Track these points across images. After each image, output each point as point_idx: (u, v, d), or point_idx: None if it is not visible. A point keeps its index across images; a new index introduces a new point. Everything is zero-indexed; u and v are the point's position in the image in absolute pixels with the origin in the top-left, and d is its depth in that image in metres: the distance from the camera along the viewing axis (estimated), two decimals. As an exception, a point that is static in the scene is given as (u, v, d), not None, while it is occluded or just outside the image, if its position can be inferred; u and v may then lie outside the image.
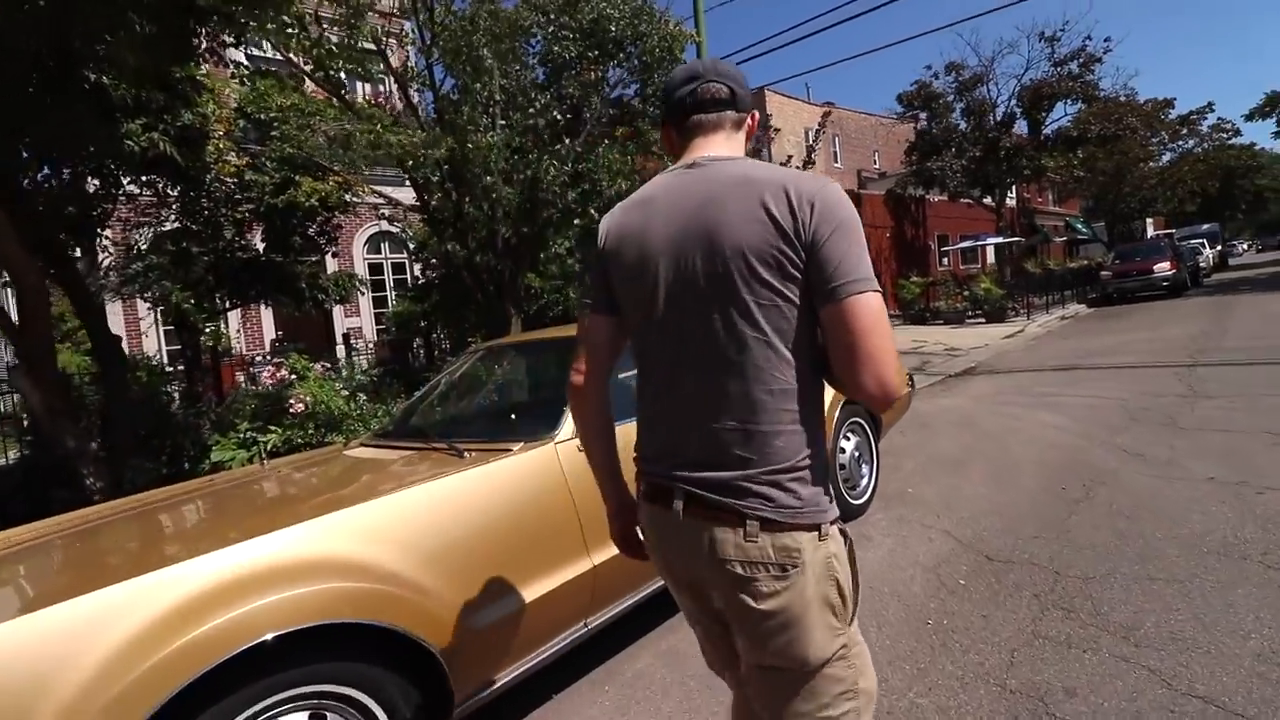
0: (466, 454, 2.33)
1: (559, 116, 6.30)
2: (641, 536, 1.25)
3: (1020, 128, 19.43)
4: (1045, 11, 55.63)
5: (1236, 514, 3.28)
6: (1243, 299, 14.64)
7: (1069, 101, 18.64)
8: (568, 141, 6.38)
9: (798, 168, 11.13)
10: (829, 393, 3.51)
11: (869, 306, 0.95)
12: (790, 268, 0.97)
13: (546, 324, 10.97)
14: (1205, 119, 28.75)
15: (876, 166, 29.70)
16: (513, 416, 2.93)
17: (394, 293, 14.62)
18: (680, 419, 1.07)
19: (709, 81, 1.12)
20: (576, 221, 6.30)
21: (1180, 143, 29.31)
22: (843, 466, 3.79)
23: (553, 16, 6.41)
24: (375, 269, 15.02)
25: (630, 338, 1.17)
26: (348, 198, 7.22)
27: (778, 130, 13.60)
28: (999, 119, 19.07)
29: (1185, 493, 3.65)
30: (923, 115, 19.91)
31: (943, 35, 49.63)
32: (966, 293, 16.66)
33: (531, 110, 6.00)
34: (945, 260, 23.61)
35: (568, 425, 2.39)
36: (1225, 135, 31.43)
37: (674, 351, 1.06)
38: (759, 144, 9.19)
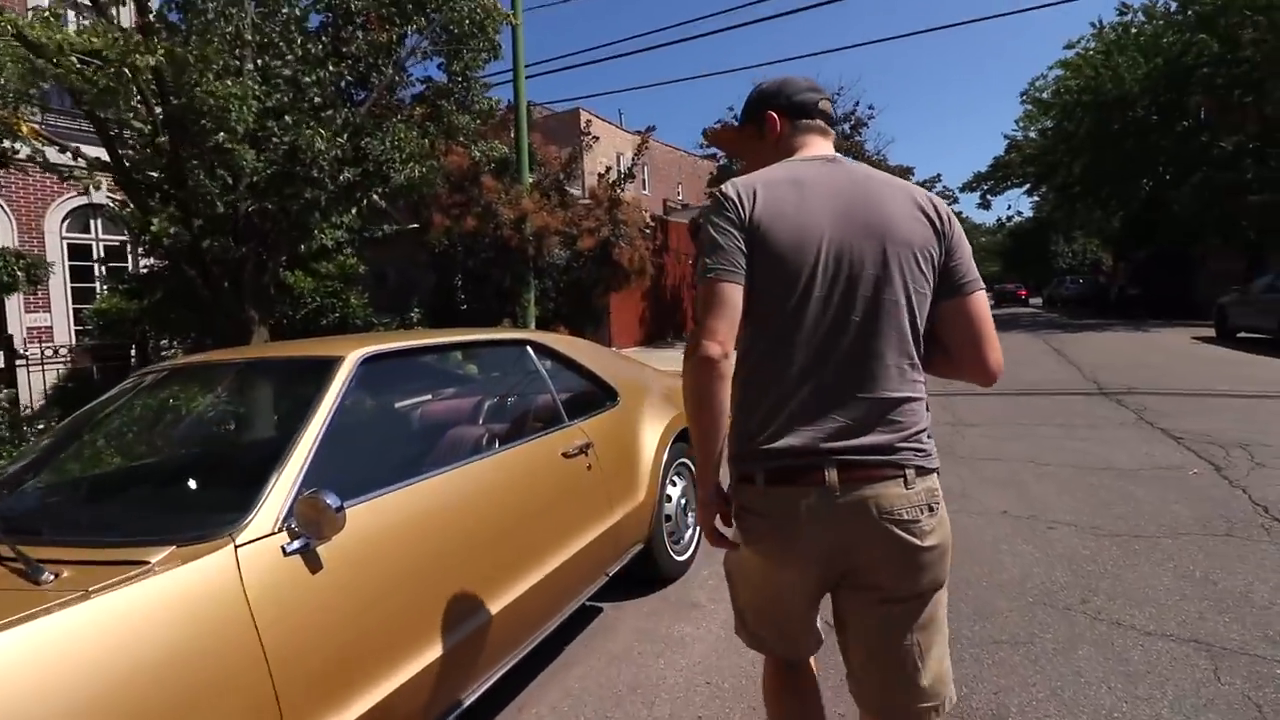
0: (49, 574, 1.25)
1: (335, 76, 5.05)
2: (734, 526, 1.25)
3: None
4: (827, 72, 65.27)
5: (1041, 553, 3.30)
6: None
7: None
8: (347, 111, 5.15)
9: (618, 184, 11.03)
10: (656, 431, 2.81)
11: (986, 300, 1.26)
12: (938, 264, 1.20)
13: (314, 335, 9.16)
14: (934, 186, 34.88)
15: (680, 198, 31.19)
16: (168, 493, 1.85)
17: (107, 286, 11.47)
18: (833, 394, 1.14)
19: (827, 99, 1.34)
20: (354, 210, 5.08)
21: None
22: (668, 517, 3.21)
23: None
24: (82, 252, 11.68)
25: (759, 316, 1.17)
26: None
27: (596, 139, 13.30)
28: (787, 165, 20.88)
29: (987, 529, 3.66)
30: (722, 154, 21.16)
31: (742, 79, 55.37)
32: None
33: (292, 59, 4.70)
34: (739, 289, 25.24)
35: (268, 507, 1.43)
36: (948, 201, 38.46)
37: (831, 330, 1.14)
38: (576, 149, 8.78)
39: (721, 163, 21.19)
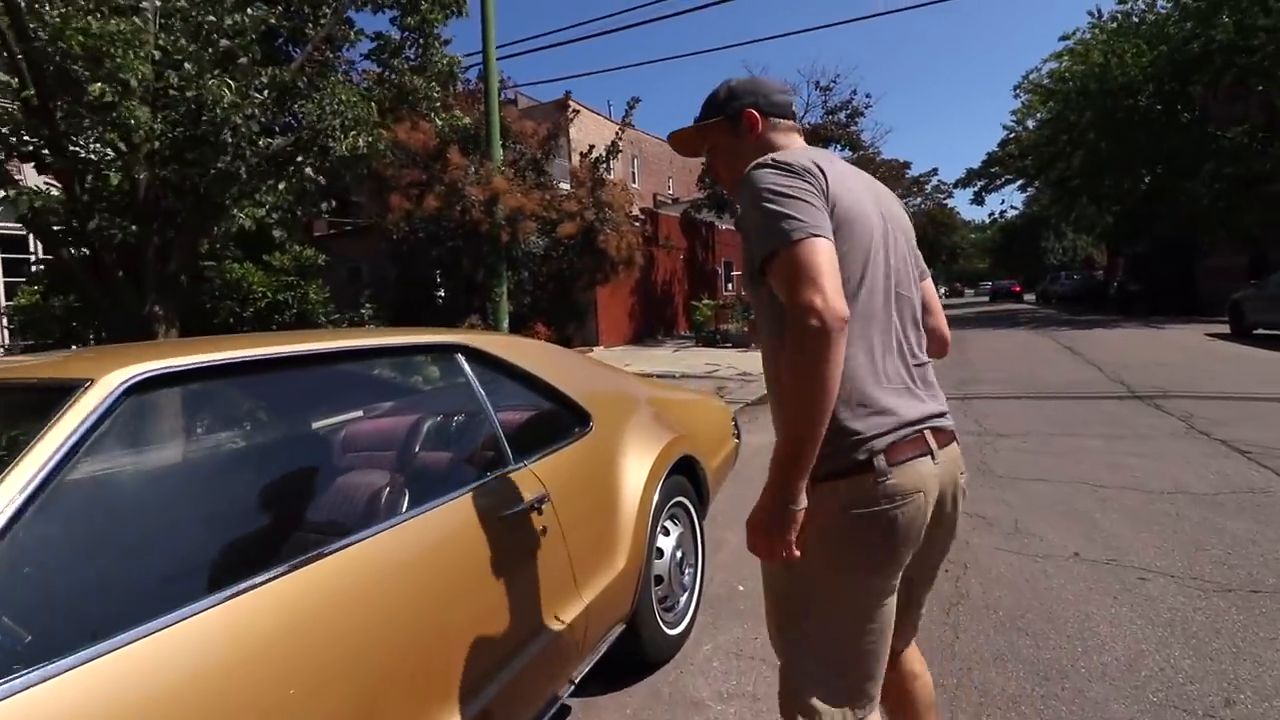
0: None
1: (255, 22, 4.17)
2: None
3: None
4: (824, 59, 65.28)
5: (1144, 619, 2.54)
6: (967, 334, 16.80)
7: (840, 146, 20.39)
8: (273, 68, 4.28)
9: (603, 162, 10.24)
10: (645, 463, 2.29)
11: None
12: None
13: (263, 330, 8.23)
14: (930, 181, 34.34)
15: (670, 191, 30.41)
16: None
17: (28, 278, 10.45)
18: (906, 366, 1.19)
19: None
20: (281, 185, 4.21)
21: (910, 199, 34.60)
22: (659, 579, 2.41)
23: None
24: (17, 244, 10.68)
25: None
26: None
27: (577, 112, 12.45)
28: (781, 155, 20.18)
29: (1062, 580, 2.90)
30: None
31: (736, 69, 55.45)
32: (752, 317, 17.02)
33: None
34: (730, 285, 24.59)
35: None
36: (942, 195, 38.05)
37: (891, 306, 1.19)
38: (555, 125, 7.91)
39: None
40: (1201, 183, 17.09)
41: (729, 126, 1.31)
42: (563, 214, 6.55)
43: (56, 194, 3.76)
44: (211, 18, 4.05)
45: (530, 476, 1.81)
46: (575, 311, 7.61)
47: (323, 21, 4.64)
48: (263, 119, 4.08)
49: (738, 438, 3.67)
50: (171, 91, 3.70)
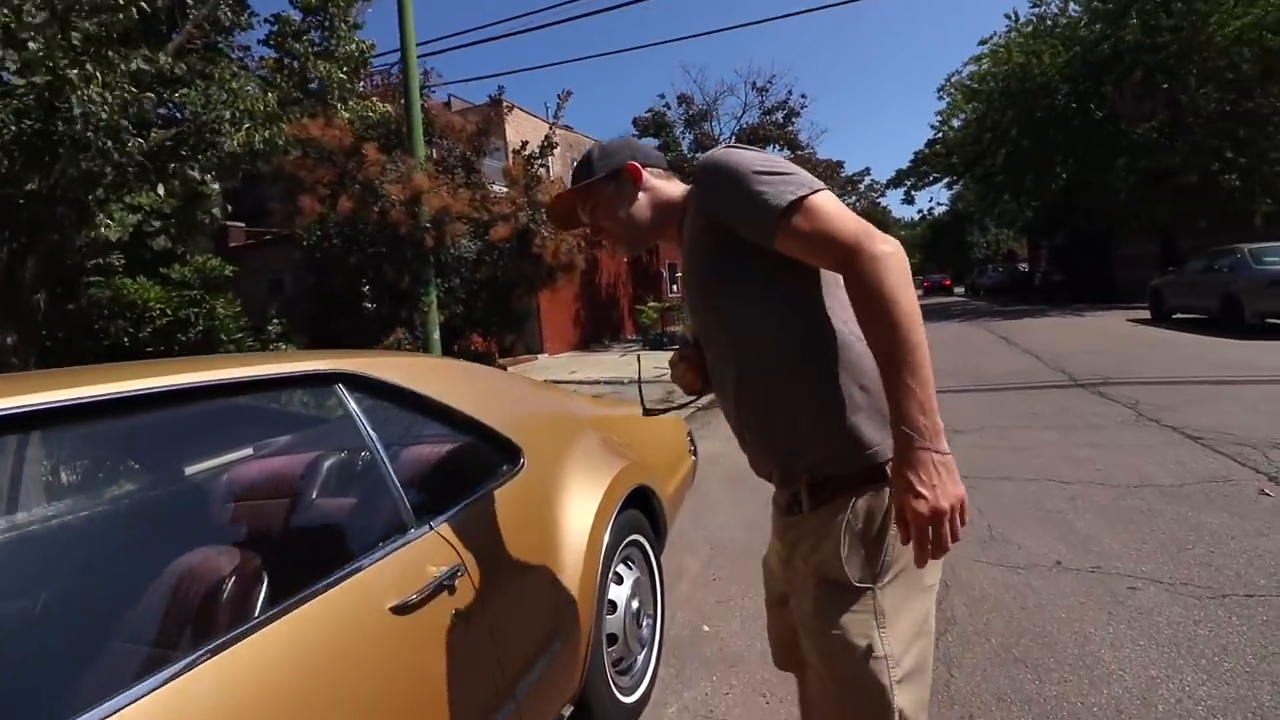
0: None
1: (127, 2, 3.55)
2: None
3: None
4: (759, 60, 66.54)
5: (1146, 638, 2.31)
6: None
7: (778, 147, 20.51)
8: (144, 52, 3.67)
9: (537, 159, 9.76)
10: (592, 499, 1.95)
11: None
12: None
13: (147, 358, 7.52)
14: (863, 180, 35.19)
15: (610, 192, 30.04)
16: None
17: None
18: None
19: None
20: (160, 187, 3.60)
21: (845, 198, 35.34)
22: (613, 638, 2.03)
23: None
24: None
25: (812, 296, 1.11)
26: None
27: (512, 108, 11.95)
28: (720, 155, 20.20)
29: (1050, 594, 2.68)
30: (654, 144, 20.23)
31: (674, 68, 55.89)
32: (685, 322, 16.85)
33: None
34: (675, 287, 24.42)
35: None
36: (875, 194, 39.09)
37: None
38: (486, 121, 7.36)
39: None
40: (1116, 177, 17.95)
41: (615, 186, 1.28)
42: (495, 215, 6.07)
43: None
44: None
45: (437, 543, 1.39)
46: (514, 319, 7.11)
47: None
48: (133, 110, 3.47)
49: (694, 453, 3.33)
50: (11, 77, 3.07)
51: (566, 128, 30.64)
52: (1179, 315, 12.37)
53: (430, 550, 1.37)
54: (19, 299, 3.57)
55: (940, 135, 27.71)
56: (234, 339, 7.04)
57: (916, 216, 50.77)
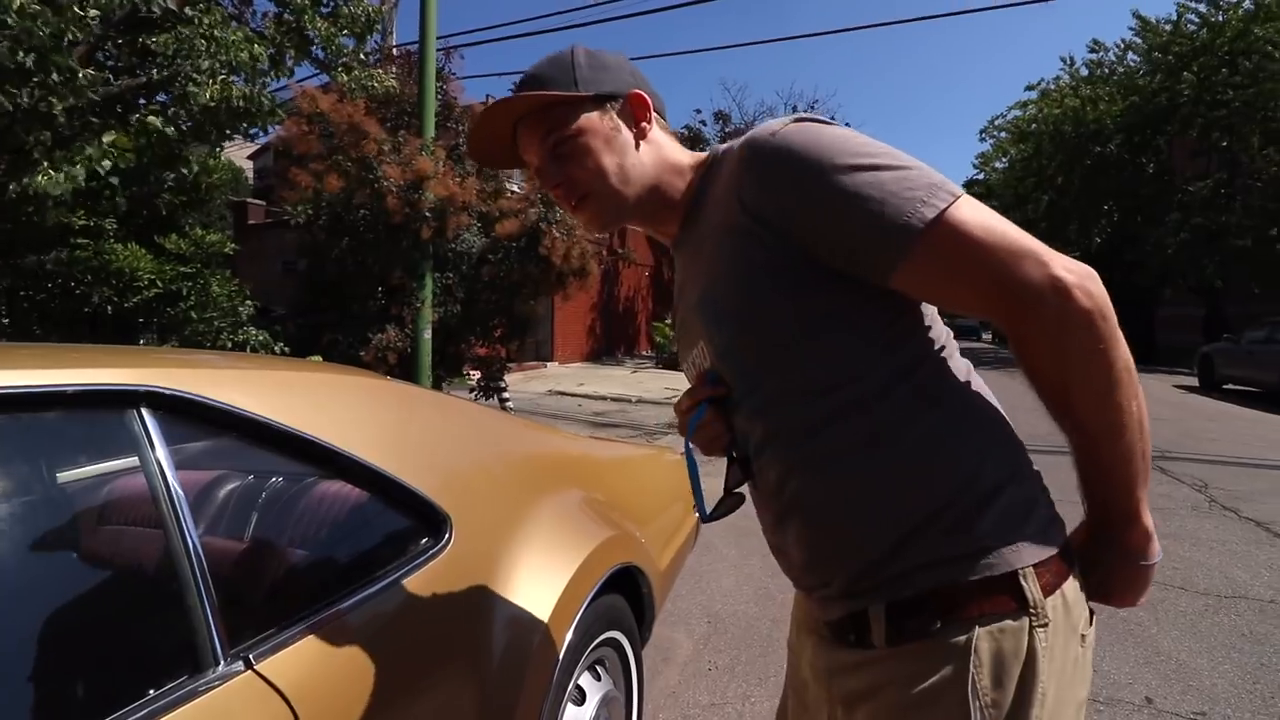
0: None
1: None
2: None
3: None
4: (801, 82, 66.45)
5: None
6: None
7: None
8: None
9: None
10: (542, 607, 1.40)
11: None
12: None
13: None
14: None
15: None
16: None
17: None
18: None
19: None
20: (107, 139, 3.11)
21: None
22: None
23: None
24: None
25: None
26: None
27: None
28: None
29: (1148, 750, 2.04)
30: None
31: (713, 83, 56.34)
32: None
33: None
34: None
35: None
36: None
37: None
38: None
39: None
40: (1167, 232, 17.17)
41: (595, 110, 0.83)
42: (505, 211, 5.56)
43: None
44: None
45: (254, 693, 0.82)
46: (519, 324, 6.59)
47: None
48: (96, 46, 3.01)
49: (699, 511, 2.72)
50: None
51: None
52: (1231, 386, 11.58)
53: (236, 707, 0.80)
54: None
55: (980, 176, 27.07)
56: (204, 319, 6.57)
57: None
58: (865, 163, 0.67)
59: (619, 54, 0.87)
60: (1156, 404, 10.40)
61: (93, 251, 6.96)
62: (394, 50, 7.67)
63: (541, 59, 0.84)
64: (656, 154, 0.85)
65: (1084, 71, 20.63)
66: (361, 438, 1.18)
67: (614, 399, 10.19)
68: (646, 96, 0.84)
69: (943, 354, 0.75)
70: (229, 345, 6.34)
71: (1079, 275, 0.64)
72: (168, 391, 0.94)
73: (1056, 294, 0.63)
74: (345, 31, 4.57)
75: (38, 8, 2.68)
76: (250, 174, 24.30)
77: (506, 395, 6.65)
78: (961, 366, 0.77)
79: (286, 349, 6.29)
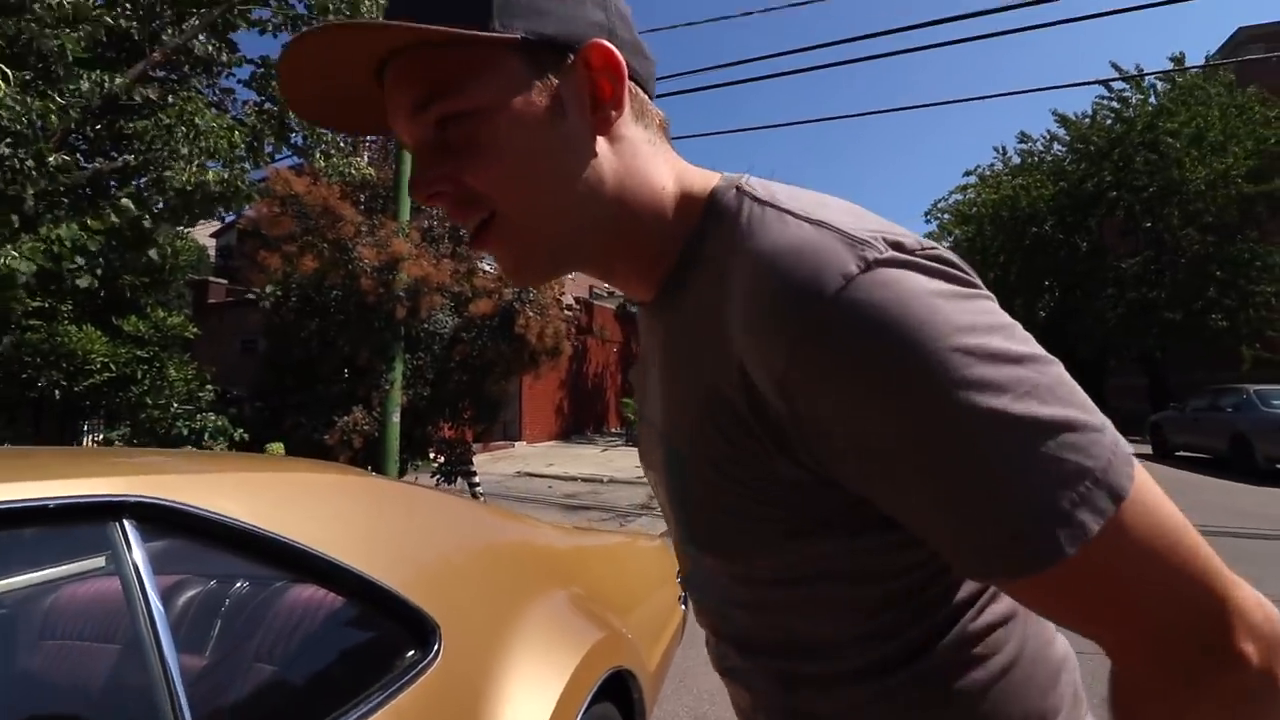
0: None
1: (86, 13, 3.18)
2: None
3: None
4: (759, 167, 70.98)
5: None
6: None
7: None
8: (102, 75, 3.26)
9: None
10: (546, 704, 1.31)
11: None
12: None
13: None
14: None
15: (606, 287, 30.41)
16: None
17: None
18: None
19: None
20: (84, 220, 3.07)
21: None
22: None
23: None
24: None
25: None
26: None
27: None
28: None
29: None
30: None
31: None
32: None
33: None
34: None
35: None
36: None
37: None
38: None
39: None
40: (1105, 305, 18.24)
41: (526, 67, 0.47)
42: (479, 290, 5.61)
43: None
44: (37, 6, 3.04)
45: None
46: (489, 405, 6.50)
47: (187, 25, 3.69)
48: (73, 132, 3.03)
49: (684, 602, 2.64)
50: None
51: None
52: (1183, 453, 12.00)
53: None
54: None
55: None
56: (159, 404, 6.32)
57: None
58: (1015, 407, 0.38)
59: None
60: (1115, 471, 10.66)
61: (45, 334, 6.72)
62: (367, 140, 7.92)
63: None
64: (625, 163, 0.50)
65: (1015, 160, 22.39)
66: (347, 542, 1.12)
67: (585, 479, 9.99)
68: (617, 54, 0.47)
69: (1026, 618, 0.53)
70: (185, 431, 6.07)
71: (1274, 634, 0.40)
72: (150, 500, 0.88)
73: (1240, 666, 0.39)
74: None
75: (18, 97, 2.70)
76: (212, 252, 24.18)
77: (477, 480, 6.45)
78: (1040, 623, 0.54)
79: (245, 435, 6.05)
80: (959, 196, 24.27)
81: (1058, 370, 0.41)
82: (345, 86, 0.49)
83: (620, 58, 0.47)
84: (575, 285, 24.60)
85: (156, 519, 0.89)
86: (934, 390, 0.39)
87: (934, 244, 0.45)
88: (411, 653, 1.14)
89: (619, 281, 0.56)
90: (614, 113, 0.48)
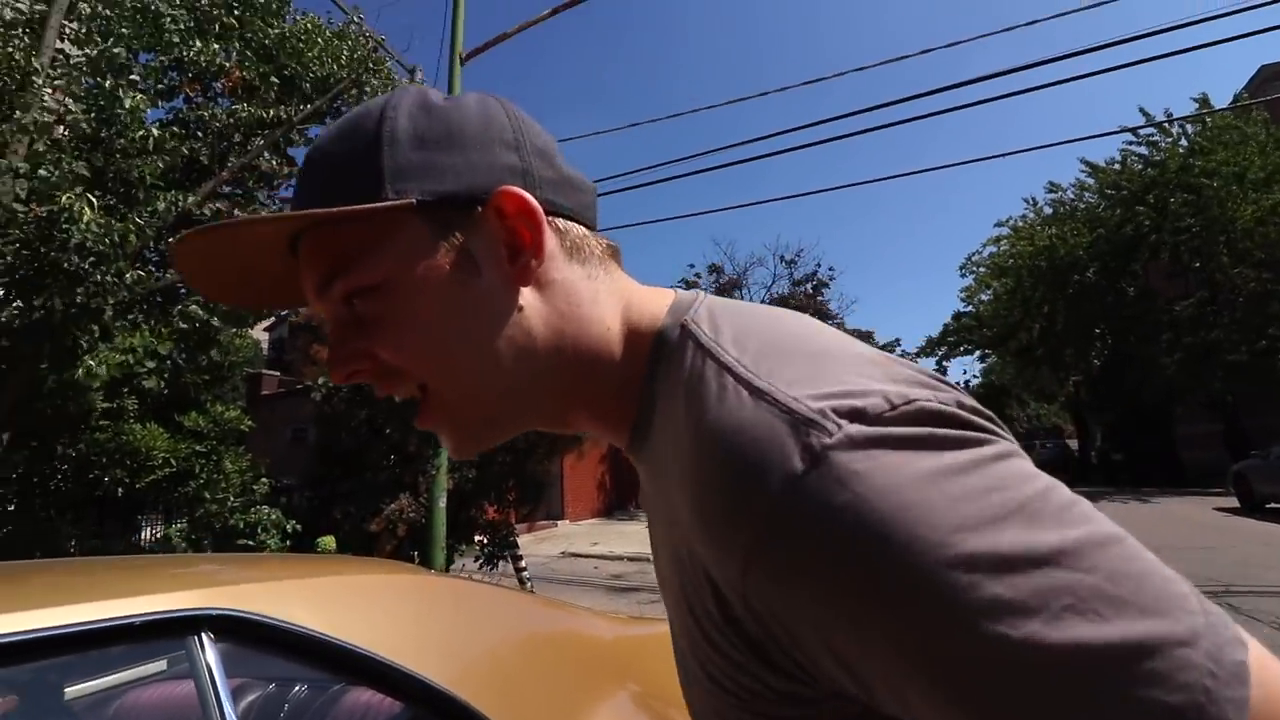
0: None
1: (164, 144, 3.52)
2: None
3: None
4: (786, 234, 70.10)
5: None
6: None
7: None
8: (176, 195, 3.56)
9: None
10: None
11: None
12: None
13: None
14: (896, 349, 35.40)
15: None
16: None
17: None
18: None
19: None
20: (153, 326, 3.28)
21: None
22: None
23: (203, 2, 3.92)
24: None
25: None
26: None
27: None
28: (752, 323, 20.62)
29: None
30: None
31: (704, 241, 59.12)
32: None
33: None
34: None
35: None
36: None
37: None
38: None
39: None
40: (1162, 351, 17.50)
41: (428, 229, 0.44)
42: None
43: None
44: (131, 136, 3.40)
45: None
46: (533, 486, 6.47)
47: (252, 145, 4.06)
48: (148, 247, 3.29)
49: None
50: (18, 207, 2.90)
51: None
52: (1273, 505, 11.12)
53: None
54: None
55: (969, 309, 28.13)
56: (216, 499, 6.48)
57: (951, 388, 49.88)
58: (1052, 636, 0.28)
59: (484, 97, 0.48)
60: (1205, 531, 9.90)
61: (112, 433, 7.04)
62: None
63: (342, 118, 0.47)
64: (559, 309, 0.46)
65: (1047, 210, 22.22)
66: (417, 648, 1.09)
67: (630, 559, 9.74)
68: (528, 199, 0.44)
69: None
70: (241, 525, 6.19)
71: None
72: (226, 613, 0.88)
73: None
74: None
75: (102, 220, 2.97)
76: (265, 345, 25.41)
77: (524, 565, 6.35)
78: None
79: (298, 526, 6.13)
80: (993, 249, 24.11)
81: (1117, 551, 0.30)
82: (260, 269, 0.48)
83: (533, 202, 0.44)
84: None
85: (230, 630, 0.89)
86: (929, 629, 0.29)
87: (923, 383, 0.37)
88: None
89: (586, 430, 0.51)
90: (534, 261, 0.45)
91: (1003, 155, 11.82)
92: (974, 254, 26.44)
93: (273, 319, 18.57)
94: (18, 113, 3.10)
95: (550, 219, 0.46)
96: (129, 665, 0.89)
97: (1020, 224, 22.66)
